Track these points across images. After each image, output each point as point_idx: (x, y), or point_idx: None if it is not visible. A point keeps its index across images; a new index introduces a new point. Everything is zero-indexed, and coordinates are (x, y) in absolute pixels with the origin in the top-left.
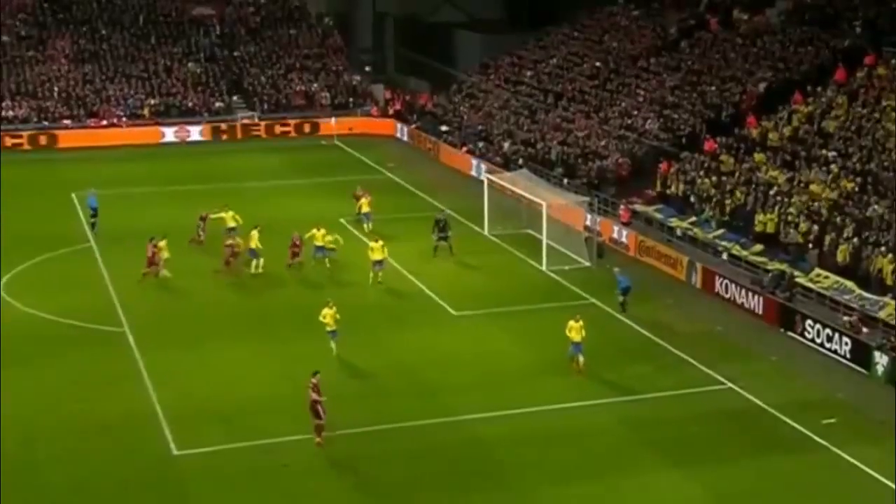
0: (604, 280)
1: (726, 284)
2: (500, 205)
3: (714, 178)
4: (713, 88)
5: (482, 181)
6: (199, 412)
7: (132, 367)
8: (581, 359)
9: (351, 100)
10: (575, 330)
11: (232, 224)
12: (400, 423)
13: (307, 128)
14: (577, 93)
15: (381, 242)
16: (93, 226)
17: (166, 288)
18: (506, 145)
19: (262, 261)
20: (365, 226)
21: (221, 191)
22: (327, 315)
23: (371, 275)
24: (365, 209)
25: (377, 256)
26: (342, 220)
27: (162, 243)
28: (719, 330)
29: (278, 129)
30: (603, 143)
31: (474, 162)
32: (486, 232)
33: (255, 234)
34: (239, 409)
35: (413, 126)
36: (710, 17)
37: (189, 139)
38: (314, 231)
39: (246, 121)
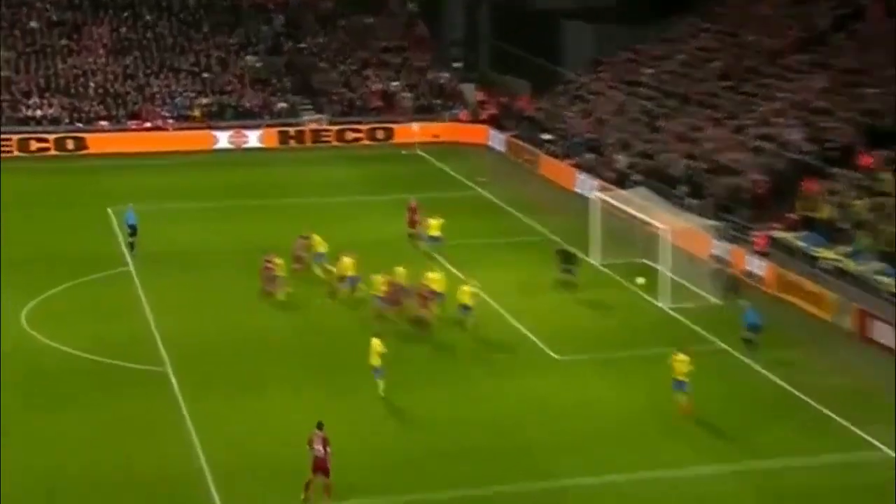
0: (734, 321)
1: (885, 329)
2: (612, 228)
3: (871, 200)
4: (872, 91)
5: (590, 200)
6: (252, 470)
7: (174, 414)
8: (686, 399)
9: (437, 101)
10: (680, 364)
11: (322, 249)
12: (488, 488)
13: (381, 134)
14: (707, 96)
15: (439, 274)
16: (131, 246)
17: (216, 320)
18: (620, 158)
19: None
20: (423, 246)
21: (283, 207)
22: (374, 348)
23: (462, 318)
24: (435, 232)
25: (465, 299)
26: (425, 247)
27: (279, 261)
28: (876, 384)
29: (351, 134)
30: (736, 156)
31: (581, 177)
32: (593, 261)
33: (348, 260)
34: (298, 468)
35: (509, 134)
36: (869, 3)
37: (246, 145)
38: (399, 269)
39: (313, 125)
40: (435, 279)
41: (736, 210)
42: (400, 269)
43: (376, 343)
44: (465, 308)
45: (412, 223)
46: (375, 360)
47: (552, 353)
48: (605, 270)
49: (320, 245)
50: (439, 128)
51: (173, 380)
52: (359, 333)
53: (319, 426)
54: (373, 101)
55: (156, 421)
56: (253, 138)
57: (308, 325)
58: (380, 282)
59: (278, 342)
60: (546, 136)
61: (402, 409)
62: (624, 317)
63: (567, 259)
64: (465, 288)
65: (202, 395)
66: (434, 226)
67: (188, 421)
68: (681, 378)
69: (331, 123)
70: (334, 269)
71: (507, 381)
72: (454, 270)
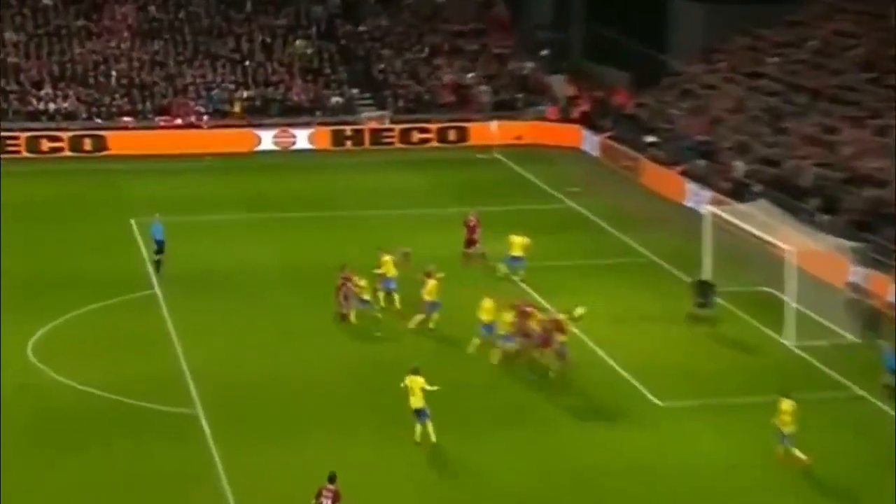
0: (874, 363)
1: None
2: (727, 249)
3: None
4: None
5: (702, 215)
6: None
7: (204, 464)
8: (795, 452)
9: (519, 96)
10: (786, 415)
11: (393, 272)
12: None
13: (453, 134)
14: (844, 90)
15: (490, 302)
16: (157, 265)
17: (255, 353)
18: (738, 165)
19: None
20: (501, 269)
21: (337, 221)
22: (412, 385)
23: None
24: (517, 251)
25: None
26: (503, 268)
27: (362, 282)
28: None
29: (417, 135)
30: (879, 163)
31: (691, 187)
32: None
33: (432, 283)
34: None
35: (605, 135)
36: None
37: (294, 147)
38: (487, 303)
39: (373, 123)
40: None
41: (878, 229)
42: (487, 303)
43: (416, 381)
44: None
45: (470, 242)
46: (417, 402)
47: (653, 398)
48: (718, 299)
49: (390, 267)
50: (522, 127)
51: (204, 424)
52: (425, 371)
53: (331, 479)
54: (444, 96)
55: (184, 471)
56: (302, 138)
57: (364, 358)
58: (507, 320)
59: (328, 380)
60: (649, 139)
61: (463, 457)
62: (740, 356)
63: (703, 292)
64: (567, 315)
65: (237, 441)
66: (517, 244)
67: (221, 472)
68: (788, 432)
69: (393, 122)
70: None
71: (594, 428)
72: (537, 297)
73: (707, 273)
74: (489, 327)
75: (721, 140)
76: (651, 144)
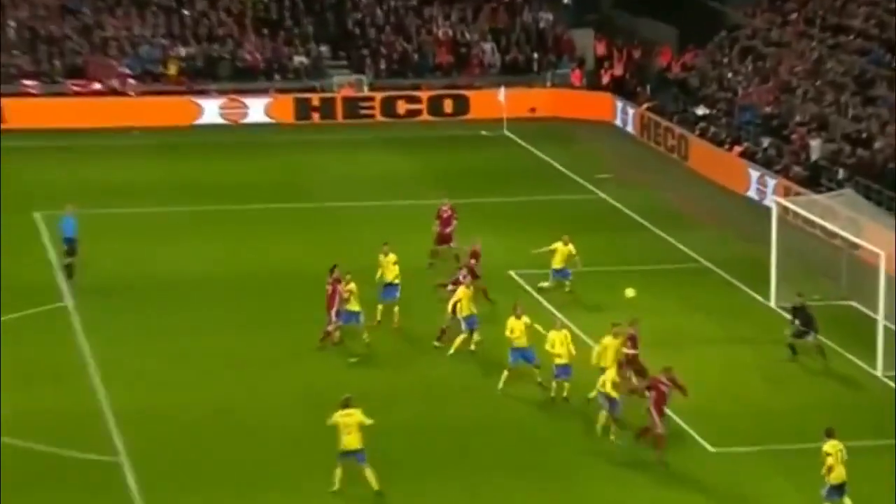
0: None
1: None
2: (801, 252)
3: None
4: None
5: (769, 208)
6: None
7: None
8: None
9: (535, 57)
10: (835, 464)
11: (392, 278)
12: None
13: (450, 105)
14: None
15: (524, 320)
16: (68, 270)
17: (194, 385)
18: (814, 144)
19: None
20: (544, 284)
21: (302, 215)
22: (346, 422)
23: (554, 385)
24: (560, 263)
25: (560, 357)
26: (514, 276)
27: (351, 286)
28: None
29: (404, 106)
30: None
31: (755, 173)
32: (772, 302)
33: (465, 292)
34: None
35: (645, 106)
36: None
37: (246, 120)
38: (557, 336)
39: (347, 90)
40: (556, 339)
41: None
42: (556, 335)
43: (351, 417)
44: (564, 370)
45: (443, 238)
46: (353, 442)
47: (704, 443)
48: (789, 317)
49: (389, 270)
50: (539, 96)
51: (129, 475)
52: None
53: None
54: (438, 56)
55: None
56: (256, 109)
57: (331, 393)
58: (610, 375)
59: (284, 420)
60: (701, 111)
61: None
62: (818, 390)
63: (806, 320)
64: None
65: (168, 497)
66: (561, 254)
67: None
68: (838, 482)
69: (373, 89)
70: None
71: (637, 481)
72: (557, 314)
73: (775, 282)
74: (565, 369)
75: (793, 113)
76: (703, 118)
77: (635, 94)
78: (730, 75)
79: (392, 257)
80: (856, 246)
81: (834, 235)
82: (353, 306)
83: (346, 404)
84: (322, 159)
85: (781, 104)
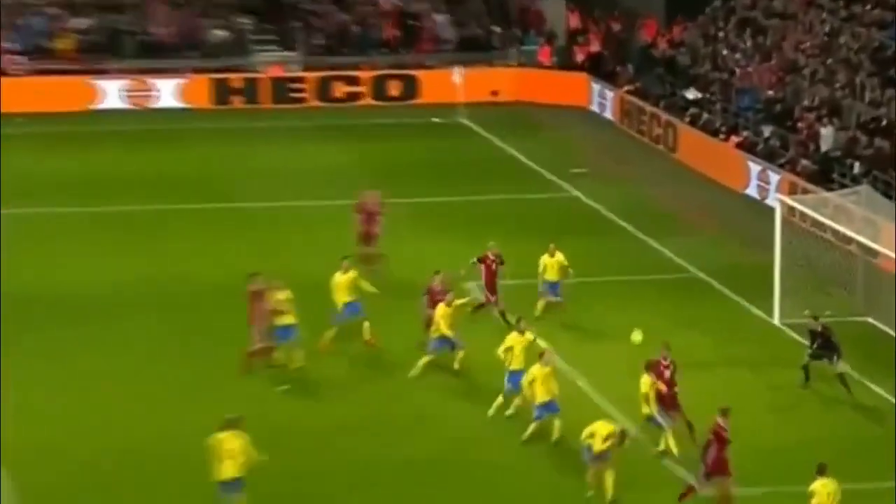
0: None
1: None
2: (809, 260)
3: None
4: None
5: (771, 208)
6: None
7: None
8: None
9: (496, 31)
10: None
11: (346, 297)
12: None
13: (396, 88)
14: None
15: (527, 336)
16: None
17: (99, 424)
18: (825, 133)
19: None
20: (544, 301)
21: (221, 217)
22: (227, 447)
23: (532, 427)
24: (552, 275)
25: (541, 395)
26: (473, 288)
27: (284, 294)
28: None
29: (342, 88)
30: None
31: (755, 167)
32: (775, 318)
33: (443, 310)
34: None
35: (626, 88)
36: None
37: (155, 105)
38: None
39: (276, 70)
40: (538, 375)
41: None
42: (539, 371)
43: (231, 441)
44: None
45: (367, 236)
46: (231, 470)
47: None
48: (794, 336)
49: (344, 287)
50: (501, 77)
51: None
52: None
53: None
54: (383, 30)
55: None
56: (167, 92)
57: (260, 431)
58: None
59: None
60: (692, 94)
61: None
62: (831, 422)
63: (825, 343)
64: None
65: None
66: (551, 266)
67: None
68: None
69: (306, 68)
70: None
71: None
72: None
73: (779, 295)
74: (549, 406)
75: (800, 96)
76: (694, 103)
77: (615, 75)
78: (725, 52)
79: (351, 275)
80: (874, 252)
81: (848, 240)
82: (287, 319)
83: (231, 423)
84: (245, 151)
85: (786, 86)
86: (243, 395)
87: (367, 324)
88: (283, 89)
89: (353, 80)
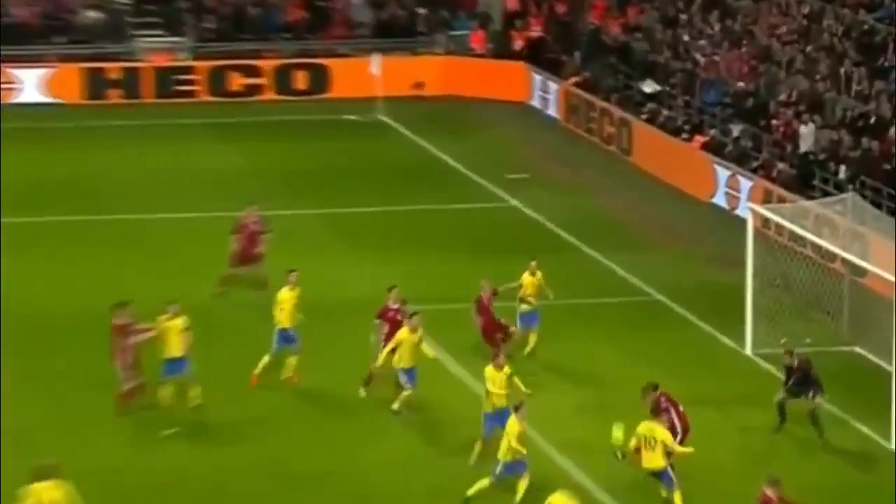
0: None
1: None
2: (786, 280)
3: None
4: None
5: (742, 219)
6: None
7: None
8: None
9: (421, 13)
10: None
11: (287, 321)
12: None
13: (302, 79)
14: None
15: (506, 371)
16: None
17: None
18: (804, 131)
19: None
20: (515, 331)
21: (97, 230)
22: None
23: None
24: (530, 297)
25: (505, 453)
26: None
27: (177, 322)
28: None
29: (239, 80)
30: None
31: (723, 172)
32: (747, 348)
33: (407, 337)
34: None
35: (572, 80)
36: None
37: (15, 99)
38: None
39: (160, 58)
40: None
41: None
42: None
43: (48, 492)
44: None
45: (246, 257)
46: None
47: None
48: (768, 367)
49: (285, 307)
50: (427, 67)
51: None
52: None
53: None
54: (288, 13)
55: None
56: (30, 84)
57: (133, 482)
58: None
59: None
60: (649, 87)
61: None
62: (813, 470)
63: (803, 378)
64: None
65: None
66: (529, 285)
67: None
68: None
69: (197, 57)
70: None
71: None
72: (458, 372)
73: (751, 323)
74: (514, 467)
75: (775, 89)
76: (652, 97)
77: (559, 65)
78: (688, 38)
79: (297, 291)
80: (862, 271)
81: (832, 257)
82: (174, 351)
83: (43, 475)
84: (124, 154)
85: (759, 78)
86: (116, 440)
87: (294, 359)
88: (168, 81)
89: (252, 71)
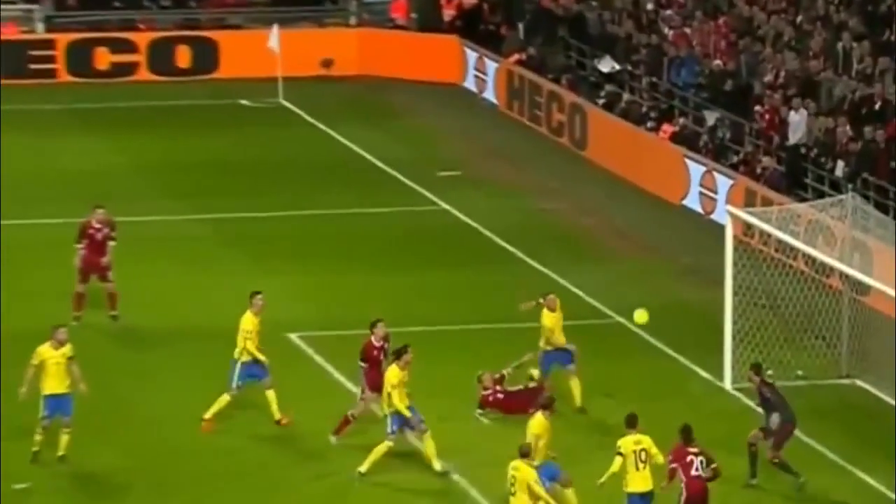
0: None
1: None
2: (772, 298)
3: None
4: None
5: (720, 225)
6: None
7: None
8: None
9: None
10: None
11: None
12: None
13: (184, 57)
14: None
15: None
16: None
17: None
18: (794, 119)
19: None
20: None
21: None
22: None
23: None
24: (559, 337)
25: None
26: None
27: (61, 352)
28: None
29: (107, 57)
30: None
31: (697, 168)
32: (726, 381)
33: (396, 374)
34: None
35: (515, 58)
36: None
37: None
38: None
39: (9, 29)
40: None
41: None
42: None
43: None
44: None
45: (91, 267)
46: None
47: None
48: (752, 405)
49: (255, 337)
50: (338, 42)
51: None
52: None
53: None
54: None
55: None
56: None
57: None
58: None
59: None
60: (607, 66)
61: None
62: None
63: (774, 397)
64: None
65: None
66: (556, 323)
67: None
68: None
69: (55, 28)
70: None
71: None
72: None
73: (730, 349)
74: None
75: (759, 69)
76: (610, 78)
77: (498, 39)
78: (653, 7)
79: (250, 320)
80: (864, 288)
81: (828, 271)
82: (56, 387)
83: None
84: None
85: (740, 55)
86: None
87: (272, 393)
88: (20, 57)
89: (123, 46)
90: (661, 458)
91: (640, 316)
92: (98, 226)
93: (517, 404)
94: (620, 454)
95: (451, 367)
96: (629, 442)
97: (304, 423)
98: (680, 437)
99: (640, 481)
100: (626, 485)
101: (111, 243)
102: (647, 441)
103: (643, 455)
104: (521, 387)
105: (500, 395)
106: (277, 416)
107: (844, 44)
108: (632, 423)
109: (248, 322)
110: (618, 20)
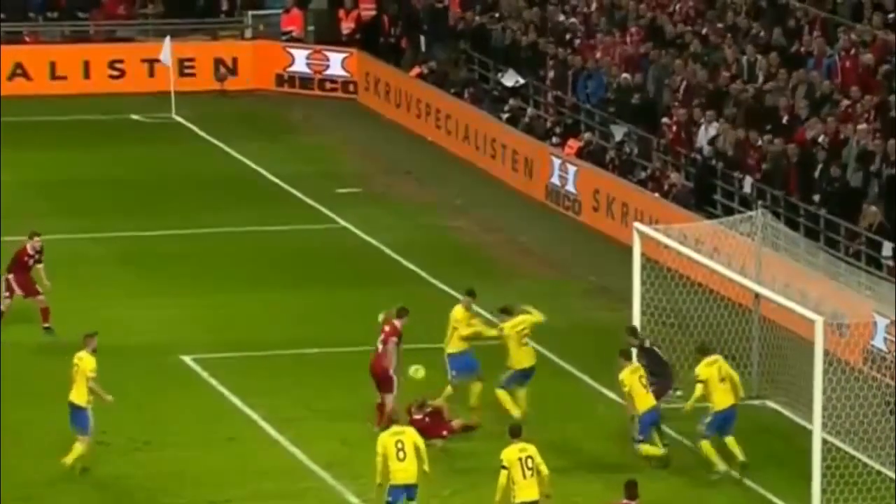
0: None
1: None
2: (682, 318)
3: None
4: None
5: (626, 246)
6: None
7: None
8: None
9: None
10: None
11: None
12: None
13: (74, 68)
14: None
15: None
16: None
17: None
18: (704, 132)
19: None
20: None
21: None
22: None
23: None
24: (456, 346)
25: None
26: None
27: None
28: None
29: None
30: None
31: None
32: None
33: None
34: None
35: (415, 72)
36: None
37: None
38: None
39: None
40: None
41: None
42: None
43: None
44: None
45: (25, 287)
46: None
47: None
48: (666, 428)
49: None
50: (232, 54)
51: None
52: None
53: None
54: None
55: None
56: None
57: None
58: None
59: None
60: (510, 80)
61: None
62: None
63: (652, 358)
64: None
65: None
66: (461, 323)
67: None
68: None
69: None
70: None
71: None
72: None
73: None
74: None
75: (667, 81)
76: (514, 92)
77: (397, 52)
78: (560, 18)
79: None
80: (773, 305)
81: (735, 287)
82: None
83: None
84: None
85: (648, 66)
86: None
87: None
88: None
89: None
90: (545, 469)
91: (416, 372)
92: (32, 253)
93: (433, 428)
94: (504, 467)
95: (351, 390)
96: (513, 451)
97: (196, 446)
98: (624, 493)
99: (527, 490)
100: (514, 496)
101: (39, 266)
102: (532, 449)
103: (529, 462)
104: (428, 409)
105: (426, 420)
106: None
107: (749, 57)
108: (515, 433)
109: (88, 362)
110: (521, 32)
